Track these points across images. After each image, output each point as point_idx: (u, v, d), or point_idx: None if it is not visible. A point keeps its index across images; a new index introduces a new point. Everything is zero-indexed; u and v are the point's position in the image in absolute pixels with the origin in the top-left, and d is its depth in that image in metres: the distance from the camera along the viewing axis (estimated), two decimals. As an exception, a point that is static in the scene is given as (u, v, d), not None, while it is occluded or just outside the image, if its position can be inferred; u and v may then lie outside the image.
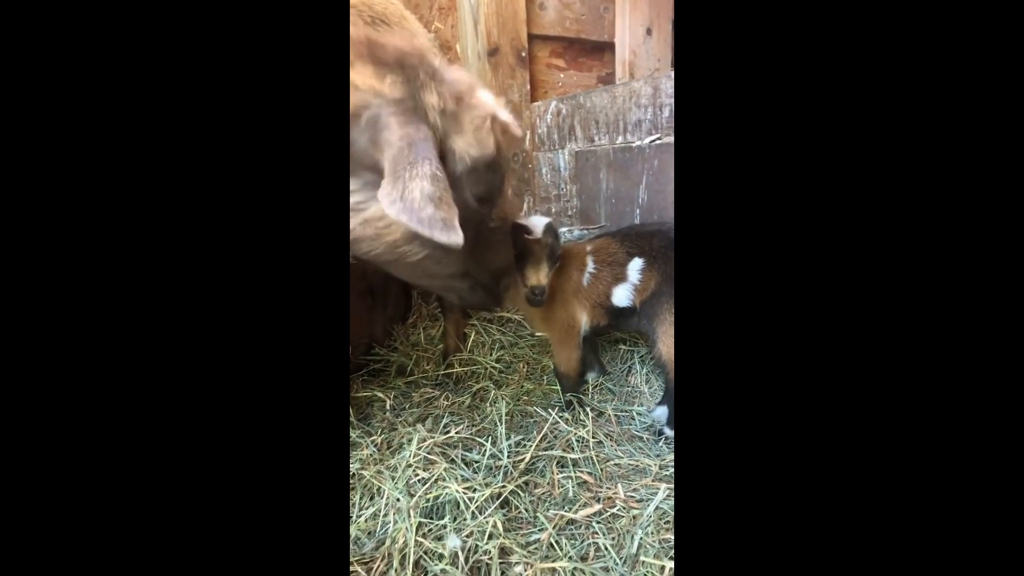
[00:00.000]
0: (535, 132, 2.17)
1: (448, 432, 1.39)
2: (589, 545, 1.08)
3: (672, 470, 1.30)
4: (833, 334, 0.52)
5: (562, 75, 2.45)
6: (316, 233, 0.58)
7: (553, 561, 1.02)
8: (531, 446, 1.36)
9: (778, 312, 0.53)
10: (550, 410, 1.50)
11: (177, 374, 0.53)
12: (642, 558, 1.02)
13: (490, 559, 1.01)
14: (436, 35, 2.06)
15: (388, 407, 1.60)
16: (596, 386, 1.72)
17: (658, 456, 1.36)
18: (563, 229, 1.45)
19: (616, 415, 1.54)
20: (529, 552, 1.05)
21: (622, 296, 1.53)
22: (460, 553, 1.00)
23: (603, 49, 2.52)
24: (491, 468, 1.29)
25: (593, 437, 1.40)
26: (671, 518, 1.12)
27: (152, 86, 0.53)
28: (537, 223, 1.43)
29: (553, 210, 2.18)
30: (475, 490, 1.16)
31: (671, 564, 0.99)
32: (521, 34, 2.12)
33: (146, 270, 0.53)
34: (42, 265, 0.50)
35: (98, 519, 0.50)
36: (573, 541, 1.09)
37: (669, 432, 1.44)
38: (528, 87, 2.17)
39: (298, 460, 0.55)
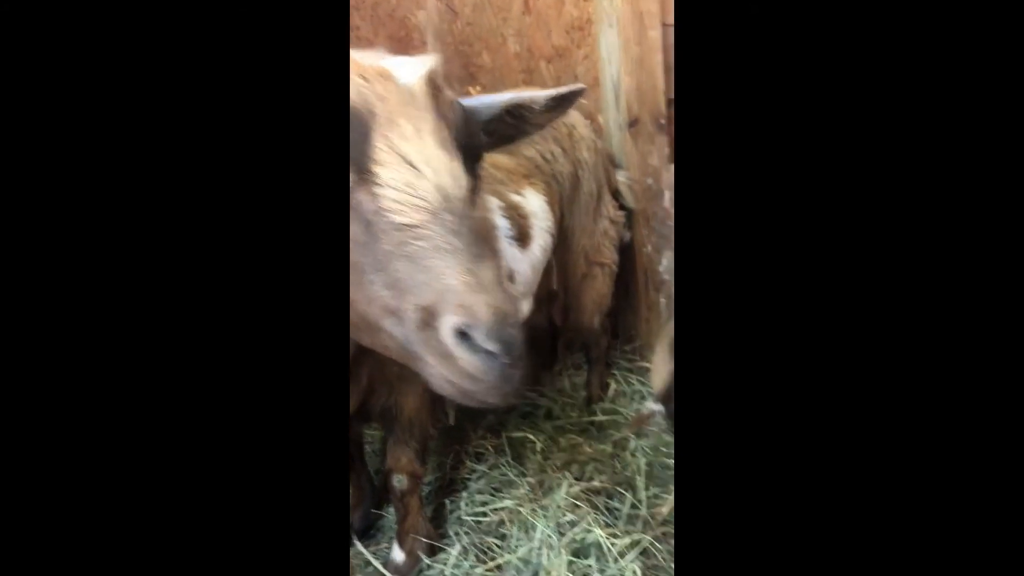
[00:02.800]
0: (673, 192, 2.30)
1: (592, 480, 1.57)
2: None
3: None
4: (831, 341, 0.52)
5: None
6: (315, 236, 0.58)
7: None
8: (669, 499, 1.48)
9: (776, 319, 0.54)
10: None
11: (175, 379, 0.54)
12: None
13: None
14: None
15: (539, 449, 1.83)
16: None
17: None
18: None
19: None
20: (665, 600, 1.19)
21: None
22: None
23: (744, 102, 2.56)
24: (631, 517, 1.45)
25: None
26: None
27: (152, 88, 0.54)
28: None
29: (692, 265, 2.28)
30: (616, 536, 1.32)
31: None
32: (660, 104, 2.28)
33: (145, 277, 0.53)
34: (41, 265, 0.51)
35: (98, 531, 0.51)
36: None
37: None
38: (667, 150, 2.31)
39: (298, 470, 0.56)
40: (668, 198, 2.34)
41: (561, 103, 1.01)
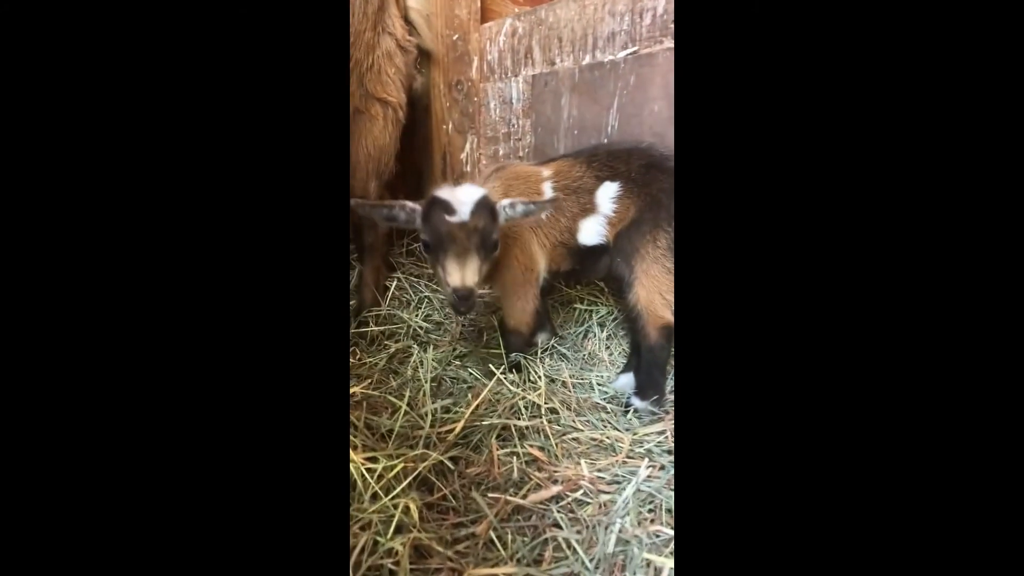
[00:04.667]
0: (484, 59, 1.84)
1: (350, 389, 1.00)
2: (545, 542, 0.74)
3: (646, 446, 0.98)
4: (836, 321, 0.49)
5: (517, 10, 2.14)
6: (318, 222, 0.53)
7: (493, 565, 0.67)
8: (466, 411, 1.00)
9: (779, 307, 0.50)
10: (493, 369, 1.15)
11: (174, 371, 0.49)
12: (628, 558, 0.68)
13: (395, 564, 0.64)
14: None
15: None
16: (546, 350, 1.39)
17: (628, 429, 1.05)
18: (504, 202, 1.05)
19: (572, 383, 1.22)
20: (458, 552, 0.69)
21: (591, 232, 1.20)
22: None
23: (564, -10, 2.24)
24: (408, 437, 0.92)
25: (547, 403, 1.07)
26: (656, 504, 0.80)
27: (152, 87, 0.50)
28: (464, 199, 1.00)
29: (501, 152, 1.85)
30: (379, 462, 0.78)
31: (670, 564, 0.66)
32: (473, -61, 1.79)
33: (145, 267, 0.49)
34: (43, 265, 0.48)
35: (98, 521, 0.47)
36: (523, 537, 0.74)
37: (639, 404, 1.12)
38: (479, 3, 1.84)
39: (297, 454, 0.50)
40: (477, 68, 1.87)
41: None
